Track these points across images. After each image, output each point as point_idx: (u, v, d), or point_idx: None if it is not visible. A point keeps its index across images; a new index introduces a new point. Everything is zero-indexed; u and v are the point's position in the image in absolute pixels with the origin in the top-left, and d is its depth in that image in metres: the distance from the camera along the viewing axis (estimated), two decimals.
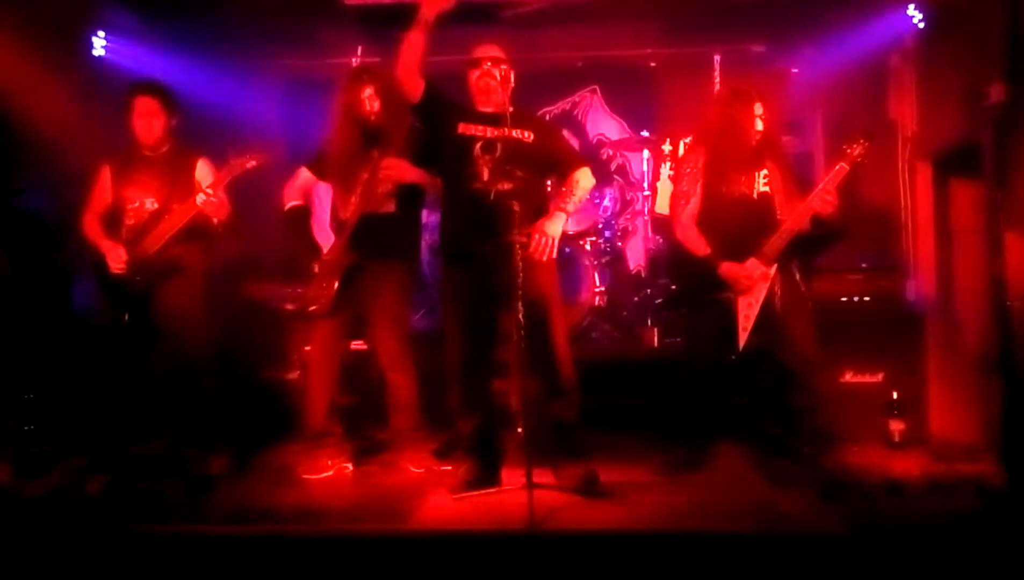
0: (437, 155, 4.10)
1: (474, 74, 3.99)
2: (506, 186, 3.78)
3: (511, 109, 3.88)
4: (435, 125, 3.98)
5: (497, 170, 3.79)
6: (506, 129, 3.82)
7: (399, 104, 4.06)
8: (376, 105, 4.15)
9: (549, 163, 4.02)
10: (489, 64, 3.95)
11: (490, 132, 3.89)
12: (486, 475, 3.89)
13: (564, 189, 3.98)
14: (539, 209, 3.93)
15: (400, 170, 4.09)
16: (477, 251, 3.80)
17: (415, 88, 3.91)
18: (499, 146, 3.84)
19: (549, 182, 4.37)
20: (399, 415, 4.24)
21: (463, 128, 3.95)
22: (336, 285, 4.14)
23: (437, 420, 4.42)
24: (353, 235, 4.15)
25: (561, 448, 3.89)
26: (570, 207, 3.94)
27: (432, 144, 4.11)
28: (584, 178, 3.99)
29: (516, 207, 3.67)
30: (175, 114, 4.39)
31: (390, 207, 4.20)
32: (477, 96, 4.02)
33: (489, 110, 3.95)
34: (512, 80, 3.93)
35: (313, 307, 4.20)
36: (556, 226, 3.84)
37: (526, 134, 3.94)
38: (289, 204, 4.39)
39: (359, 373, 4.73)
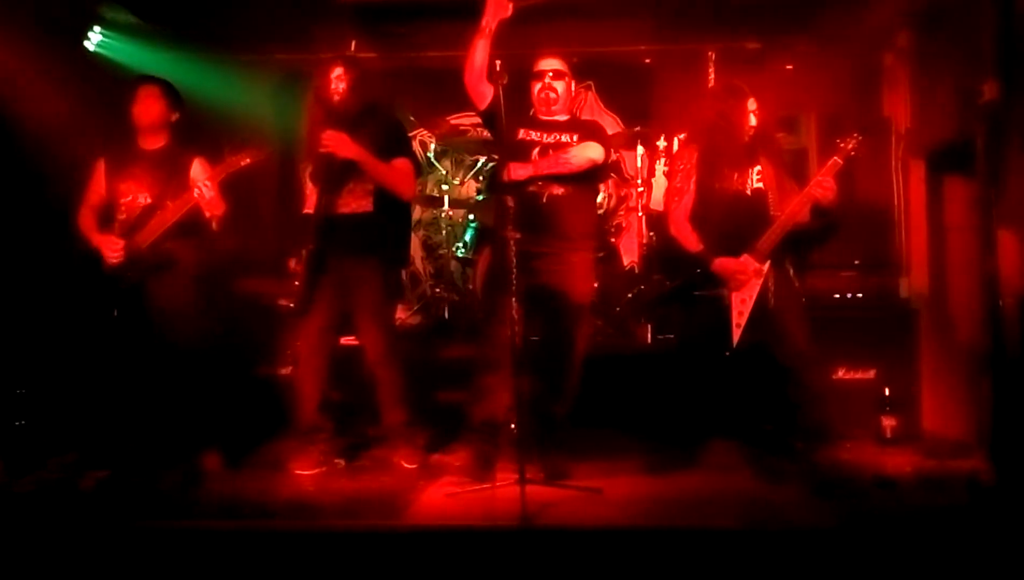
0: (406, 149, 4.29)
1: (536, 86, 4.17)
2: (558, 190, 3.98)
3: (567, 117, 4.19)
4: (498, 130, 4.06)
5: (549, 175, 3.97)
6: (559, 135, 4.08)
7: (367, 90, 4.19)
8: (342, 87, 4.15)
9: (593, 167, 4.12)
10: (550, 77, 4.14)
11: (545, 137, 4.09)
12: (485, 467, 3.91)
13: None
14: (589, 214, 4.19)
15: (339, 144, 4.06)
16: (526, 251, 3.81)
17: (483, 95, 4.07)
18: (549, 152, 4.03)
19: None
20: (390, 411, 4.25)
21: (523, 133, 4.13)
22: (305, 281, 4.14)
23: (429, 415, 4.42)
24: (325, 231, 4.14)
25: (544, 440, 3.95)
26: (543, 165, 4.00)
27: (402, 138, 4.33)
28: (582, 148, 4.06)
29: (510, 204, 3.75)
30: (175, 109, 4.37)
31: (367, 206, 4.20)
32: (537, 106, 4.19)
33: (547, 118, 4.16)
34: (573, 90, 4.22)
35: (285, 302, 4.23)
36: (518, 170, 3.93)
37: (574, 138, 4.11)
38: (306, 210, 4.40)
39: (350, 369, 4.73)
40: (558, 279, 3.98)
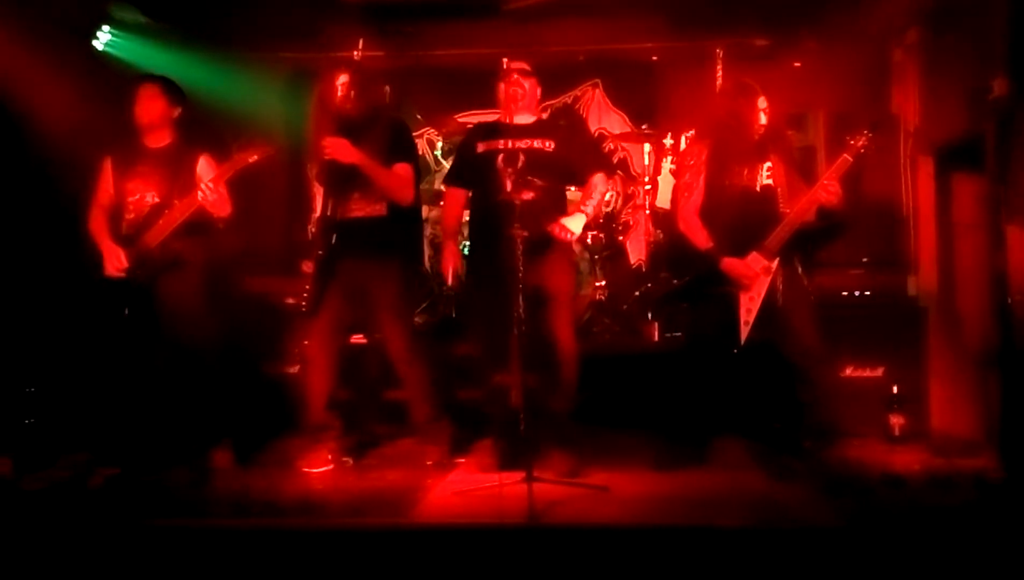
0: (408, 153, 4.31)
1: (502, 86, 4.19)
2: (528, 196, 3.94)
3: (536, 119, 4.24)
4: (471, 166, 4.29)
5: (520, 180, 3.91)
6: (527, 140, 4.09)
7: (372, 96, 4.26)
8: (348, 93, 4.16)
9: (569, 171, 4.20)
10: (516, 76, 4.18)
11: (512, 143, 4.06)
12: (511, 458, 3.92)
13: (583, 192, 4.17)
14: (559, 214, 4.12)
15: (339, 149, 4.06)
16: (501, 256, 3.85)
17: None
18: (520, 157, 3.97)
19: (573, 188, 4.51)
20: (416, 408, 4.28)
21: (482, 146, 4.19)
22: (315, 283, 4.15)
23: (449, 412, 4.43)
24: (337, 235, 4.15)
25: (550, 438, 3.96)
26: (589, 209, 4.11)
27: (405, 143, 4.36)
28: (601, 183, 4.18)
29: (518, 203, 3.77)
30: (177, 105, 4.37)
31: (381, 210, 4.21)
32: (504, 104, 4.20)
33: (512, 121, 4.16)
34: (539, 92, 4.28)
35: (294, 301, 4.23)
36: (576, 223, 4.04)
37: (547, 144, 4.14)
38: (318, 213, 4.40)
39: (358, 367, 4.74)
40: (535, 277, 3.95)
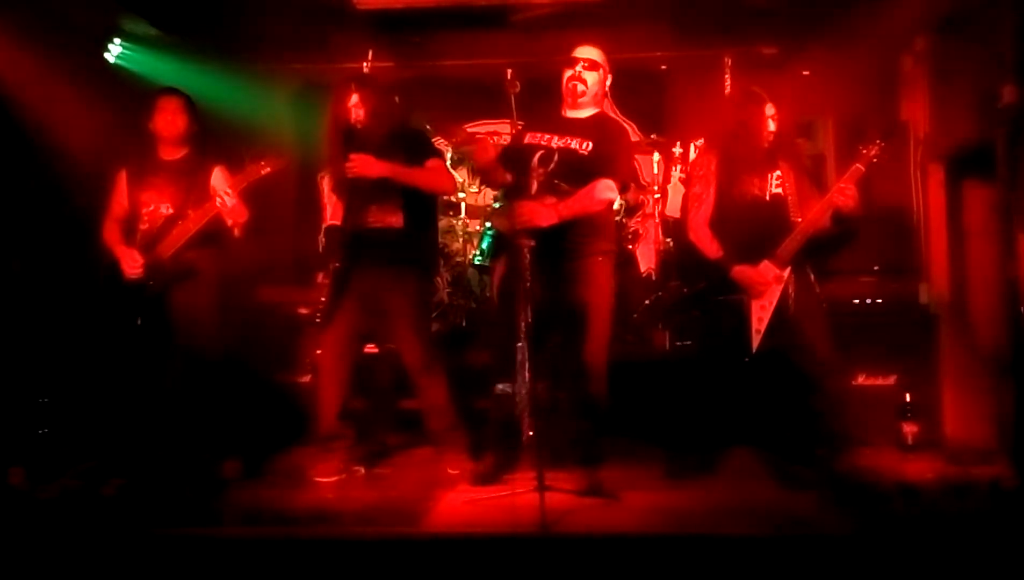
0: (433, 151, 4.28)
1: (566, 74, 4.03)
2: (551, 200, 3.82)
3: (590, 114, 4.03)
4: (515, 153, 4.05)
5: (546, 183, 3.82)
6: (568, 137, 3.92)
7: (386, 112, 4.20)
8: (361, 113, 4.14)
9: (598, 175, 3.92)
10: (581, 67, 4.00)
11: (553, 142, 3.94)
12: (501, 473, 3.94)
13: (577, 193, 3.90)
14: (591, 223, 3.92)
15: (364, 165, 4.02)
16: (513, 262, 3.83)
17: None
18: (555, 157, 3.87)
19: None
20: (433, 417, 4.26)
21: (529, 138, 4.02)
22: (331, 293, 4.17)
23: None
24: (354, 245, 4.15)
25: (573, 454, 3.94)
26: (565, 212, 3.82)
27: (426, 143, 4.33)
28: (599, 190, 3.90)
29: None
30: (196, 121, 4.42)
31: (397, 222, 4.20)
32: (565, 97, 4.06)
33: (569, 115, 4.03)
34: (607, 83, 4.05)
35: (307, 311, 4.32)
36: (541, 214, 3.76)
37: (585, 145, 3.95)
38: (331, 221, 4.41)
39: (371, 377, 4.74)
40: (557, 289, 3.88)
